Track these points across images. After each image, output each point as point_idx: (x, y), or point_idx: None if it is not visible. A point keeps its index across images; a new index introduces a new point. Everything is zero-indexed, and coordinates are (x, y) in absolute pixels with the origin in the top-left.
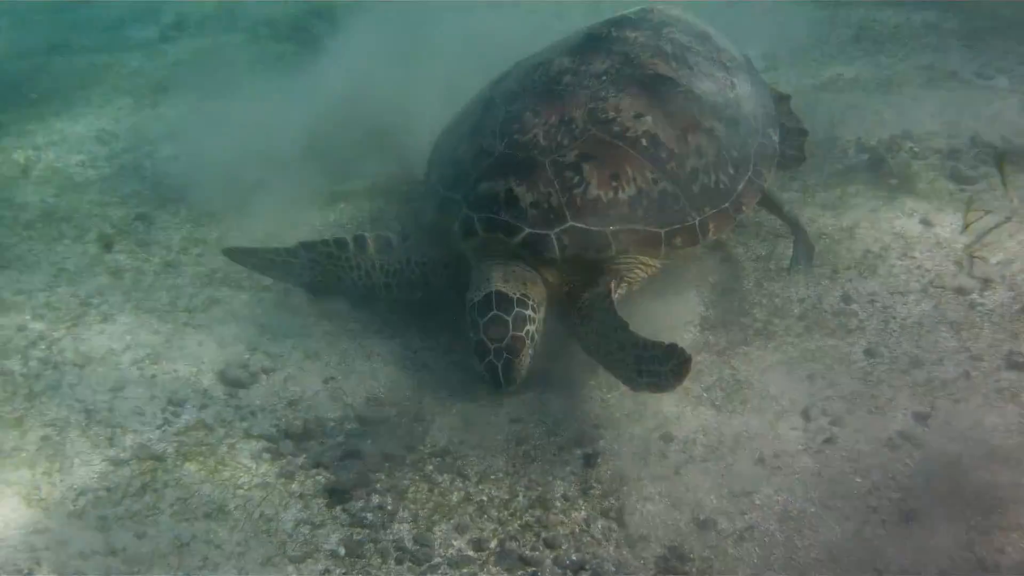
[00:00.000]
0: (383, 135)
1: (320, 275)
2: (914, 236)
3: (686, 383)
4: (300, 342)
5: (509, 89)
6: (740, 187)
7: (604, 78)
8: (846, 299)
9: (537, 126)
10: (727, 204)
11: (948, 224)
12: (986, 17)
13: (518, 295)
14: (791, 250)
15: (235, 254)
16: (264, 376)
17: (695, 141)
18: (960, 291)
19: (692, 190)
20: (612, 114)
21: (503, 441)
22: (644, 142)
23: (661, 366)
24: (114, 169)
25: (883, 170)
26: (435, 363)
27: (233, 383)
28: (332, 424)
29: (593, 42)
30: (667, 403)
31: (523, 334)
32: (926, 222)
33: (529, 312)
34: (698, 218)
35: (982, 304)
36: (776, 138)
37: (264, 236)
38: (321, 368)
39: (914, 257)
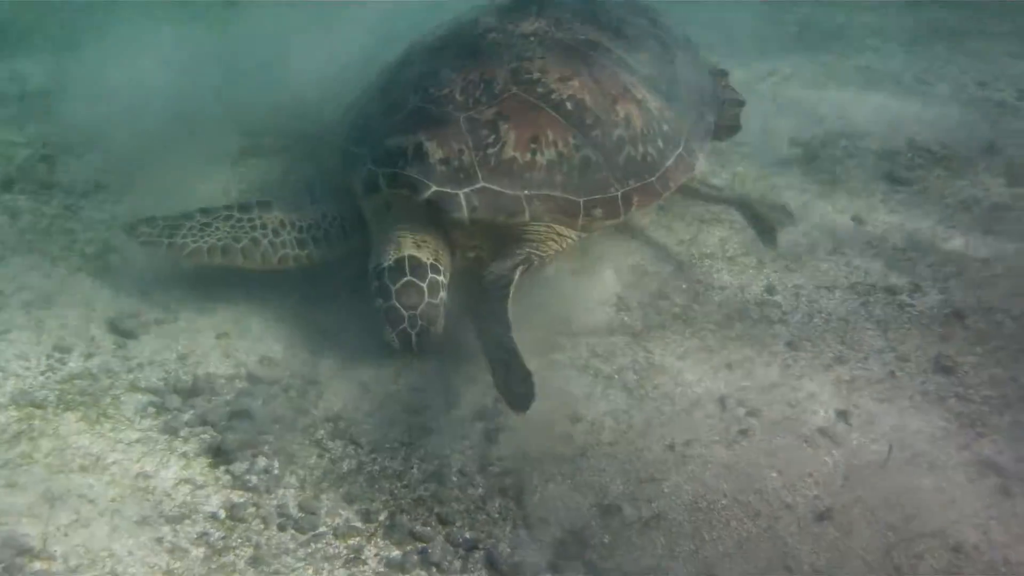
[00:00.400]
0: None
1: (216, 238)
2: (845, 232)
3: (598, 364)
4: (195, 295)
5: (429, 46)
6: (669, 162)
7: (532, 39)
8: (770, 290)
9: (455, 82)
10: (653, 178)
11: (881, 223)
12: (930, 23)
13: (431, 261)
14: (739, 235)
15: (134, 229)
16: (155, 327)
17: (624, 110)
18: (890, 291)
19: (617, 161)
20: (537, 75)
21: (400, 410)
22: (569, 106)
23: (515, 388)
24: (23, 109)
25: (816, 165)
26: (333, 326)
27: (123, 333)
28: (222, 381)
29: (524, 3)
30: (576, 383)
31: (437, 301)
32: (858, 219)
33: (442, 279)
34: (621, 190)
35: (911, 306)
36: (712, 118)
37: (170, 187)
38: (215, 323)
39: (844, 253)
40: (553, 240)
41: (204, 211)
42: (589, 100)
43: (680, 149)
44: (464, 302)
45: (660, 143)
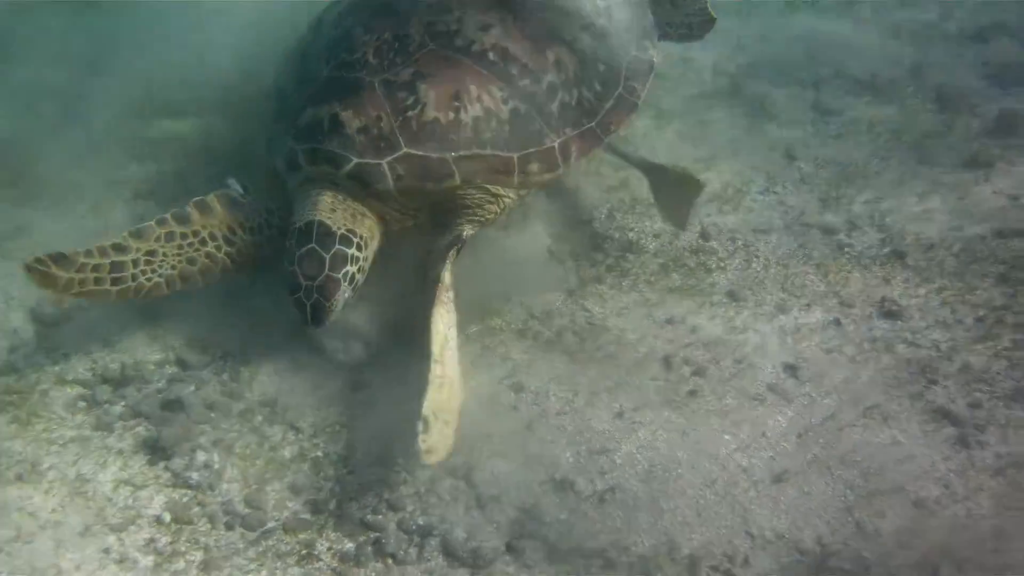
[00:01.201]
0: None
1: (167, 268)
2: (777, 169)
3: (537, 326)
4: None
5: (341, 9)
6: (608, 105)
7: None
8: (705, 235)
9: (367, 44)
10: (593, 123)
11: (812, 158)
12: None
13: (343, 230)
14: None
15: (41, 269)
16: (78, 313)
17: (554, 55)
18: (827, 230)
19: (550, 109)
20: (454, 27)
21: (339, 389)
22: (491, 56)
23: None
24: None
25: (740, 99)
26: (263, 305)
27: (45, 321)
28: (151, 367)
29: None
30: (516, 349)
31: (339, 275)
32: (790, 156)
33: (352, 251)
34: (558, 140)
35: (850, 246)
36: (653, 52)
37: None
38: (139, 306)
39: (776, 192)
40: (490, 203)
41: (136, 234)
42: (513, 48)
43: (620, 89)
44: (406, 268)
45: (597, 85)
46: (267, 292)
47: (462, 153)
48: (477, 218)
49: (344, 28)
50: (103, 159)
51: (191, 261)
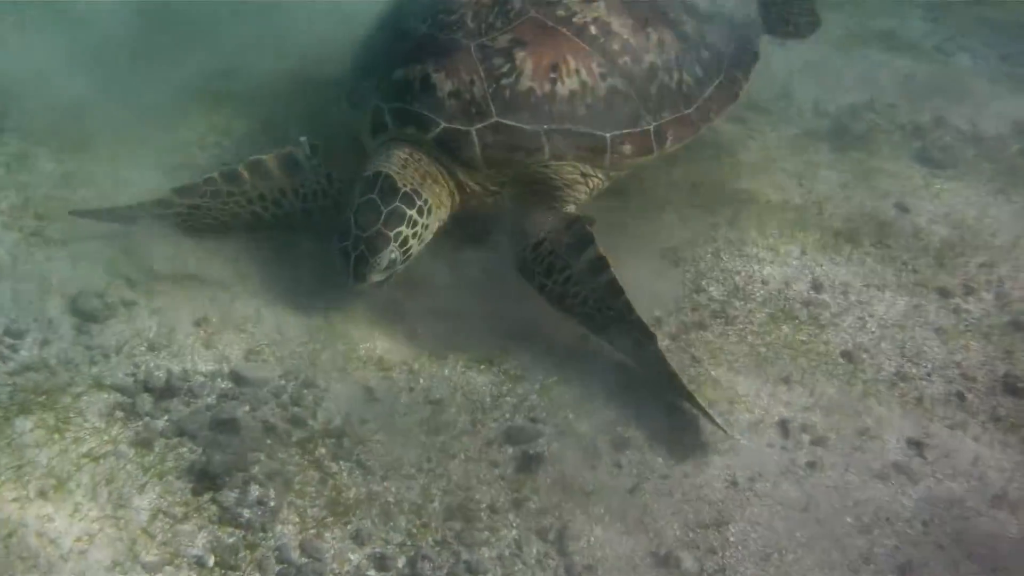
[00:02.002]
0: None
1: (210, 219)
2: (889, 220)
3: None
4: (170, 269)
5: None
6: (708, 92)
7: None
8: (816, 286)
9: (467, 5)
10: (690, 110)
11: (925, 212)
12: None
13: (408, 188)
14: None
15: (84, 215)
16: (123, 310)
17: (657, 35)
18: (942, 292)
19: (649, 90)
20: None
21: (416, 426)
22: (593, 30)
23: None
24: None
25: (847, 141)
26: (335, 312)
27: (85, 315)
28: (202, 379)
29: None
30: (620, 397)
31: (391, 234)
32: (901, 207)
33: (412, 213)
34: (654, 123)
35: (967, 311)
36: (757, 44)
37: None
38: (193, 305)
39: (888, 246)
40: (579, 183)
41: (181, 191)
42: (616, 23)
43: (721, 77)
44: (492, 270)
45: (698, 70)
46: (339, 306)
47: (554, 127)
48: (565, 199)
49: None
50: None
51: (235, 216)
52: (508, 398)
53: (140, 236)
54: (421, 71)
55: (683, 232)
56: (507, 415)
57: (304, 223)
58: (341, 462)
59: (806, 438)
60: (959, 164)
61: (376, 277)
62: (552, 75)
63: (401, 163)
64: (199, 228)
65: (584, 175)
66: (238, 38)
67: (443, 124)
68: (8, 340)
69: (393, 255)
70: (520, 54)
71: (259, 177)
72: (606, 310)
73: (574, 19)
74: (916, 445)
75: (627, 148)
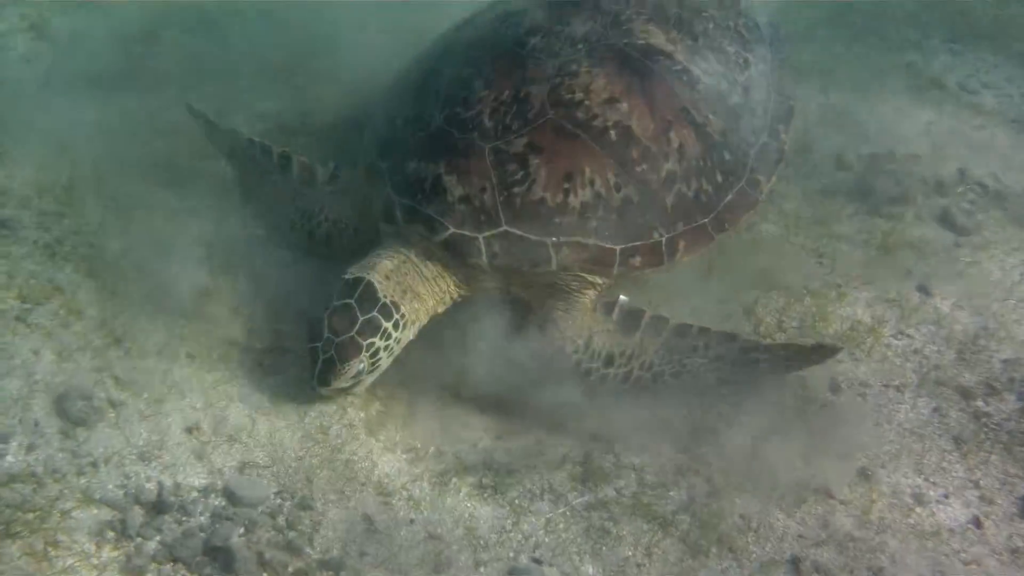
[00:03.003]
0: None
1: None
2: (911, 306)
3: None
4: (160, 367)
5: (468, 40)
6: (728, 199)
7: (581, 46)
8: (834, 387)
9: (485, 101)
10: (707, 220)
11: (948, 296)
12: (974, 18)
13: (388, 300)
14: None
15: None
16: (111, 412)
17: (679, 138)
18: (964, 393)
19: (664, 200)
20: (579, 95)
21: (416, 564)
22: (613, 135)
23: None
24: None
25: (871, 203)
26: (332, 419)
27: (72, 419)
28: (195, 495)
29: None
30: (628, 536)
31: (364, 343)
32: (924, 290)
33: (388, 325)
34: (666, 235)
35: (988, 416)
36: (785, 138)
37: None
38: (185, 409)
39: (910, 336)
40: (586, 288)
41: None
42: (638, 127)
43: (742, 182)
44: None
45: (718, 176)
46: (341, 415)
47: (563, 239)
48: (574, 300)
49: (466, 70)
50: None
51: (264, 174)
52: (512, 535)
53: (128, 319)
54: (434, 171)
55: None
56: (511, 554)
57: (290, 230)
58: None
59: None
60: (983, 229)
61: (341, 384)
62: (566, 185)
63: (385, 273)
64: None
65: (591, 283)
66: None
67: (451, 229)
68: None
69: (361, 365)
70: (535, 161)
71: (282, 168)
72: (690, 353)
73: (594, 122)
74: None
75: (637, 260)
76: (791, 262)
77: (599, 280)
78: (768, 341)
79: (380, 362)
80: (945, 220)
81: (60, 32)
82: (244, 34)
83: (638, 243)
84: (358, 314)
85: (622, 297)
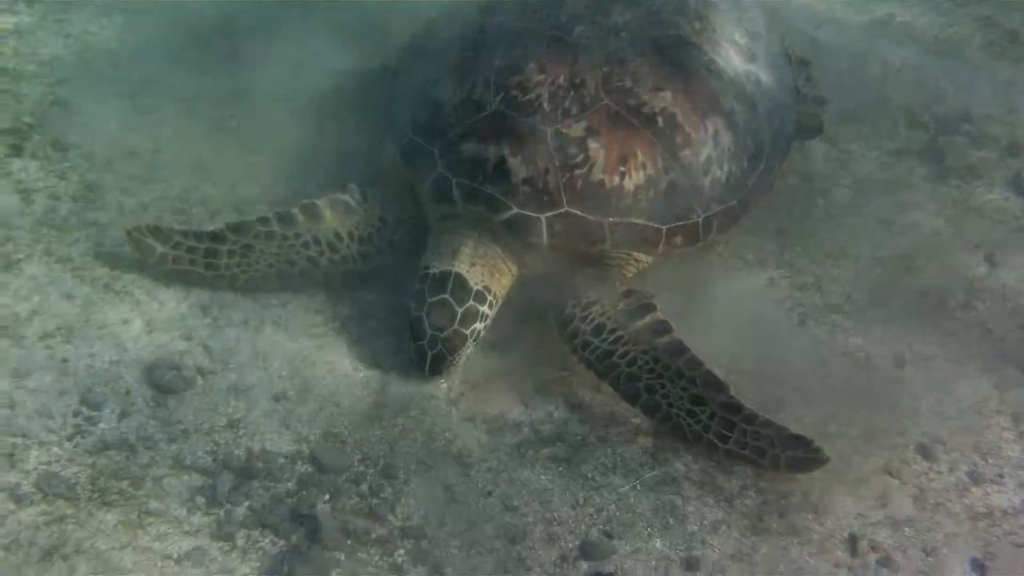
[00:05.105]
0: None
1: (264, 265)
2: (978, 279)
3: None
4: (248, 336)
5: (507, 25)
6: (751, 182)
7: (623, 35)
8: (899, 361)
9: (542, 85)
10: (735, 201)
11: (1016, 268)
12: None
13: (480, 286)
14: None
15: (140, 238)
16: (200, 380)
17: (714, 127)
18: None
19: (703, 183)
20: (629, 83)
21: (492, 534)
22: (660, 122)
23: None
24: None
25: (942, 166)
26: (415, 391)
27: (162, 387)
28: (282, 461)
29: None
30: (695, 512)
31: (467, 331)
32: (991, 260)
33: (484, 309)
34: (703, 215)
35: None
36: (792, 125)
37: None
38: (271, 378)
39: (976, 308)
40: (629, 265)
41: (235, 228)
42: (680, 115)
43: (762, 166)
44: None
45: (744, 161)
46: (422, 387)
47: (618, 219)
48: (614, 276)
49: (516, 53)
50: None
51: (291, 263)
52: (584, 508)
53: (218, 290)
54: (497, 153)
55: (771, 293)
56: (583, 527)
57: (361, 267)
58: (419, 567)
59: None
60: None
61: (451, 371)
62: (621, 168)
63: (468, 260)
64: (254, 277)
65: (636, 260)
66: None
67: (515, 209)
68: (86, 411)
69: (469, 351)
70: (594, 145)
71: (313, 220)
72: (664, 370)
73: (643, 109)
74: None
75: (678, 239)
76: (863, 230)
77: (644, 258)
78: (762, 416)
79: (479, 336)
80: (1016, 185)
81: None
82: None
83: (680, 223)
84: (456, 307)
85: (645, 292)
